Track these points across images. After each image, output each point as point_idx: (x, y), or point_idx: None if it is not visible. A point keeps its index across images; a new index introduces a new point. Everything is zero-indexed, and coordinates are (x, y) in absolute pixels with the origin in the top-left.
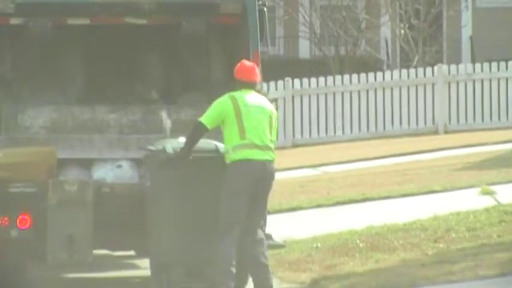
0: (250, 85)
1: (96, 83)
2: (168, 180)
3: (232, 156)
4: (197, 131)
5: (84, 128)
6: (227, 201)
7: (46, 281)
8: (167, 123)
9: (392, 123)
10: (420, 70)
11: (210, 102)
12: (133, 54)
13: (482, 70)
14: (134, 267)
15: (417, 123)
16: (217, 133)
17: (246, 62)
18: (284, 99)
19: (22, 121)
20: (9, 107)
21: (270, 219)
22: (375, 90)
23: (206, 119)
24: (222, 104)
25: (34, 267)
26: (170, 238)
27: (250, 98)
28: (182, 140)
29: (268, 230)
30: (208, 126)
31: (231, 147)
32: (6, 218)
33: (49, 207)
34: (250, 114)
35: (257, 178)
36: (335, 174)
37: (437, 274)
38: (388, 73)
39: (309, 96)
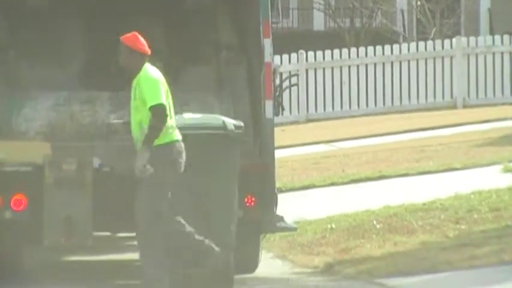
0: (148, 57)
1: (97, 56)
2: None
3: (171, 136)
4: (165, 114)
5: (85, 131)
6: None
7: (44, 264)
8: None
9: (409, 98)
10: (438, 42)
11: (218, 79)
12: (137, 24)
13: (502, 42)
14: (137, 249)
15: (435, 98)
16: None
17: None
18: (297, 72)
19: (17, 125)
20: (5, 98)
21: (281, 198)
22: (391, 63)
23: (161, 98)
24: (158, 81)
25: (31, 250)
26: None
27: (158, 72)
28: (188, 115)
29: (280, 209)
30: None
31: (170, 125)
32: (0, 199)
33: (46, 187)
34: (167, 91)
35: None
36: (350, 150)
37: (459, 259)
38: (404, 46)
39: (323, 69)
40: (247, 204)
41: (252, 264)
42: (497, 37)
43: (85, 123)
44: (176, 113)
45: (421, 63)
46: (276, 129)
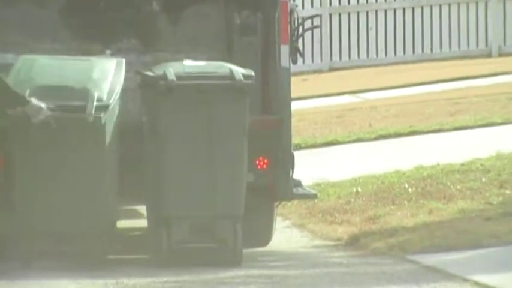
0: None
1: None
2: (171, 113)
3: None
4: None
5: None
6: None
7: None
8: None
9: (441, 45)
10: None
11: (225, 20)
12: None
13: None
14: (137, 215)
15: (468, 45)
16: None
17: None
18: (321, 17)
19: None
20: None
21: (301, 155)
22: (422, 8)
23: None
24: None
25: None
26: (173, 186)
27: None
28: (189, 63)
29: (298, 170)
30: None
31: None
32: None
33: None
34: None
35: None
36: (377, 102)
37: (506, 231)
38: None
39: (349, 14)
40: (259, 167)
41: (265, 237)
42: None
43: None
44: (179, 59)
45: (454, 8)
46: (297, 79)
